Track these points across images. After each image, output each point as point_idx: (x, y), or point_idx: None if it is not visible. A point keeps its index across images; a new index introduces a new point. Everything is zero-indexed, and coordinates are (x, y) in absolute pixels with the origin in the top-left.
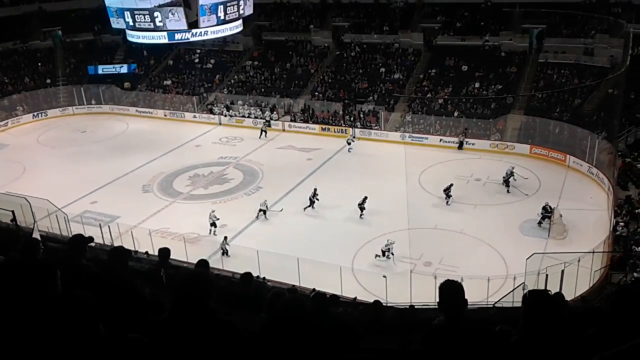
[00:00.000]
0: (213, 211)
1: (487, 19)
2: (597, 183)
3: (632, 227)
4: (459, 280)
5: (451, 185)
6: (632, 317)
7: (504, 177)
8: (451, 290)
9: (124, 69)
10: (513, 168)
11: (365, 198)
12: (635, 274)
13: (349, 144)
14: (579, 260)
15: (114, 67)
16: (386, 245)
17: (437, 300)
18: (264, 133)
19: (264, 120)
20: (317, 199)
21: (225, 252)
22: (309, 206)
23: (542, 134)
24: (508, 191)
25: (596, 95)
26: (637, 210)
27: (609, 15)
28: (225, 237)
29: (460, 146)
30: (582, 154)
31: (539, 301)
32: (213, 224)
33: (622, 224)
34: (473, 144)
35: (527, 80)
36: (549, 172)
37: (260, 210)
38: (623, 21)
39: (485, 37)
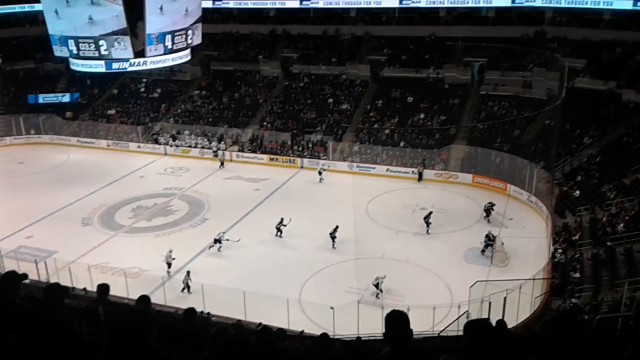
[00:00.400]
0: (170, 251)
1: (431, 52)
2: (536, 211)
3: (570, 254)
4: (405, 310)
5: (430, 212)
6: (570, 342)
7: (485, 208)
8: (397, 321)
9: (66, 98)
10: (493, 204)
11: (337, 227)
12: (573, 300)
13: (320, 173)
14: (520, 287)
15: (55, 96)
16: (376, 279)
17: (383, 330)
18: (222, 164)
19: (221, 151)
20: (284, 226)
21: (187, 288)
22: (278, 233)
23: (484, 163)
24: (489, 221)
25: (534, 126)
26: (574, 238)
27: (546, 50)
28: (188, 272)
29: (420, 177)
30: (522, 183)
31: (478, 330)
32: (169, 264)
33: (560, 250)
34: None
35: (469, 111)
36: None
37: (215, 240)
38: (559, 55)
39: (430, 70)
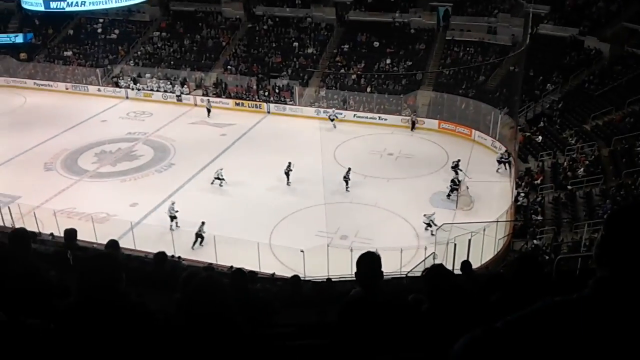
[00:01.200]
0: (173, 203)
1: None
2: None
3: (532, 197)
4: (375, 252)
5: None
6: (531, 282)
7: (498, 159)
8: (368, 262)
9: (19, 39)
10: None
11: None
12: (535, 241)
13: (332, 120)
14: (484, 230)
15: (8, 37)
16: (427, 218)
17: (354, 271)
18: (208, 112)
19: (206, 99)
20: (291, 170)
21: (201, 239)
22: (288, 181)
23: (450, 109)
24: (498, 170)
25: (499, 72)
26: (536, 182)
27: None
28: (203, 223)
29: (413, 126)
30: (487, 129)
31: (433, 274)
32: (173, 217)
33: (522, 194)
34: (385, 119)
35: (435, 57)
36: (456, 146)
37: (215, 178)
38: (523, 1)
39: (396, 14)
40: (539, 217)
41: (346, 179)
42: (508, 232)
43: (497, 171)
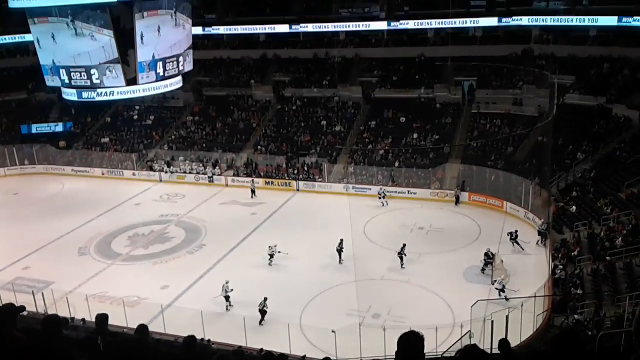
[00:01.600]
0: (227, 282)
1: (421, 72)
2: (533, 227)
3: (570, 270)
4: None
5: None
6: (574, 359)
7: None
8: (412, 342)
9: (59, 128)
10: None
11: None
12: (575, 316)
13: (382, 197)
14: (522, 305)
15: (48, 126)
16: (499, 282)
17: (396, 351)
18: (253, 193)
19: (251, 180)
20: (342, 248)
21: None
22: (340, 259)
23: (479, 181)
24: (537, 243)
25: (527, 143)
26: (573, 253)
27: (534, 67)
28: (265, 298)
29: (457, 201)
30: (518, 200)
31: (467, 356)
32: (227, 297)
33: (560, 266)
34: (415, 193)
35: (462, 130)
36: (488, 218)
37: (270, 256)
38: (547, 72)
39: (421, 90)
40: (579, 291)
41: (401, 255)
42: (547, 307)
43: (537, 243)
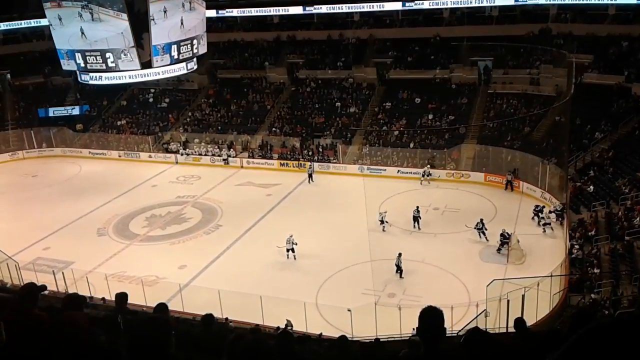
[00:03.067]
0: (291, 236)
1: (437, 53)
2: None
3: (587, 249)
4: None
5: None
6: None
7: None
8: (433, 316)
9: (75, 111)
10: (543, 207)
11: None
12: (592, 295)
13: (310, 176)
14: (538, 285)
15: (65, 109)
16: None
17: (417, 327)
18: (310, 177)
19: (310, 165)
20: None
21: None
22: (416, 225)
23: (495, 162)
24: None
25: (544, 122)
26: (590, 233)
27: (552, 47)
28: (400, 254)
29: (510, 187)
30: (535, 180)
31: (471, 340)
32: (292, 250)
33: (577, 246)
34: (430, 174)
35: (478, 110)
36: (504, 199)
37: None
38: (565, 52)
39: (436, 71)
40: (596, 270)
41: (481, 230)
42: (563, 286)
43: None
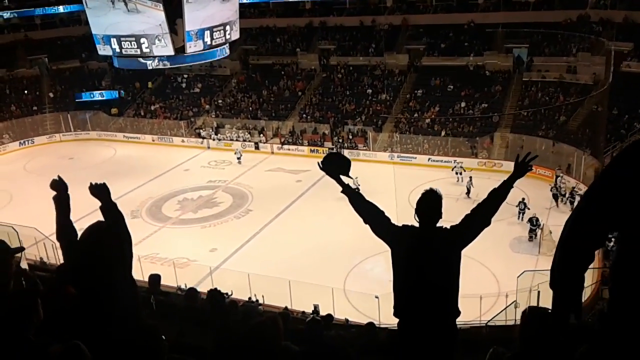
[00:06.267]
0: (356, 177)
1: (471, 39)
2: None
3: None
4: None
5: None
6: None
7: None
8: (430, 197)
9: (110, 95)
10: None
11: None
12: None
13: (460, 174)
14: None
15: (100, 93)
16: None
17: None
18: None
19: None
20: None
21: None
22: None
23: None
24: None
25: (581, 112)
26: None
27: (590, 34)
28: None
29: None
30: (569, 170)
31: (537, 318)
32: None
33: (612, 239)
34: (462, 163)
35: (512, 98)
36: (538, 188)
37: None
38: (604, 39)
39: (470, 58)
40: None
41: (522, 210)
42: (596, 279)
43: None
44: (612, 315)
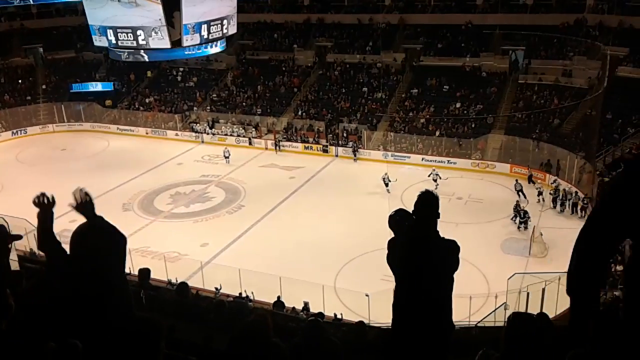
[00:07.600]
0: (386, 173)
1: (468, 40)
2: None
3: None
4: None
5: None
6: (611, 337)
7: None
8: (427, 198)
9: (105, 87)
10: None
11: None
12: (615, 293)
13: (387, 184)
14: (559, 279)
15: (95, 85)
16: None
17: (413, 210)
18: (277, 147)
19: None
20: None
21: (387, 187)
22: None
23: (522, 153)
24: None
25: (575, 115)
26: None
27: (587, 38)
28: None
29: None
30: (562, 173)
31: (522, 324)
32: (386, 184)
33: None
34: (455, 163)
35: (507, 100)
36: (529, 190)
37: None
38: (600, 44)
39: (466, 59)
40: (620, 267)
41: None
42: None
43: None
44: (627, 320)
